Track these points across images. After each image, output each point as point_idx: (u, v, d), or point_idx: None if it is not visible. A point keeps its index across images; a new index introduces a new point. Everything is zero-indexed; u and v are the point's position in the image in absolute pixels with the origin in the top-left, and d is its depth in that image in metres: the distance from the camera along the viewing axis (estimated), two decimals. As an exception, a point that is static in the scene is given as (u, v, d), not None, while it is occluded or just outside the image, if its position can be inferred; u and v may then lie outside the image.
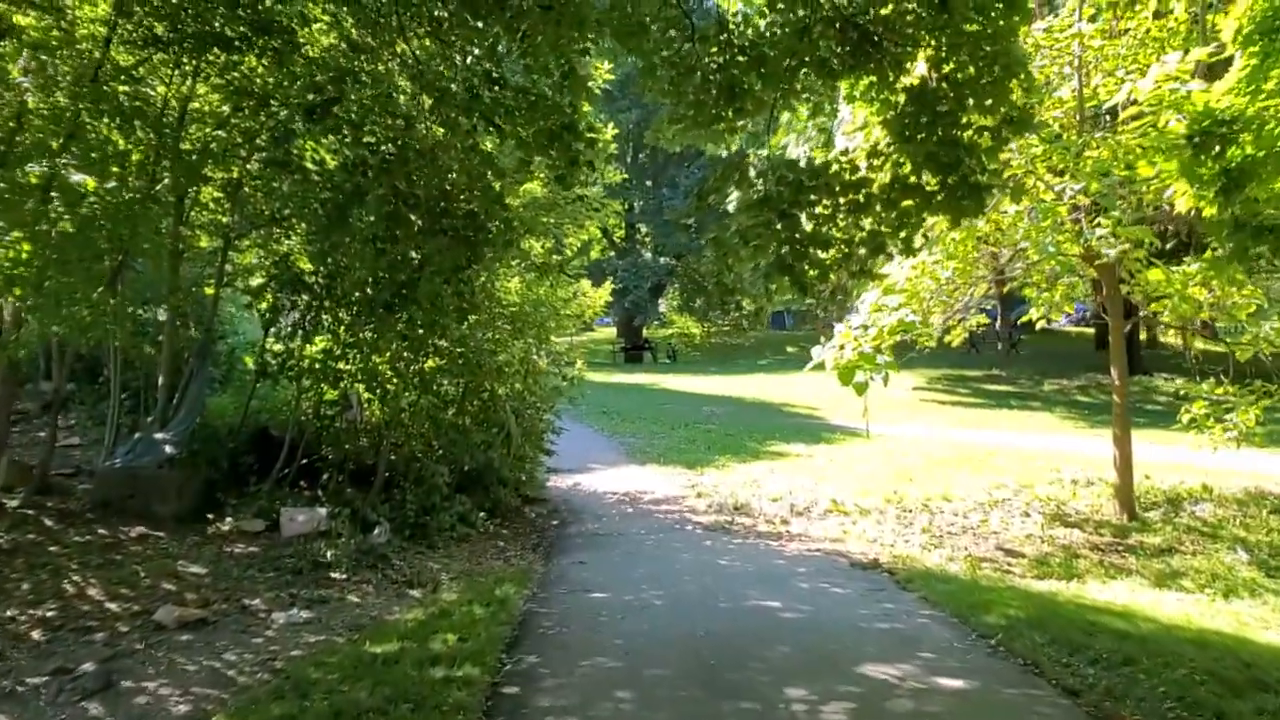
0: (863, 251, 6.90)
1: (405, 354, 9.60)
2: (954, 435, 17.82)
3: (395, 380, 9.65)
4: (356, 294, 8.64)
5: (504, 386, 10.72)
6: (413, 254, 8.00)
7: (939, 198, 6.35)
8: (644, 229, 49.01)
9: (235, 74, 8.80)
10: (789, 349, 45.54)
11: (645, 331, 48.33)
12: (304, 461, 9.95)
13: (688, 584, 7.62)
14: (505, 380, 10.22)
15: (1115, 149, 9.42)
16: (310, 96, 7.48)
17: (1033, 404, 23.45)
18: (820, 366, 10.24)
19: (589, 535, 10.06)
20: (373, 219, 7.80)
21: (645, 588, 7.51)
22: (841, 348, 10.17)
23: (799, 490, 12.19)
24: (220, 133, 9.62)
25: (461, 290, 7.93)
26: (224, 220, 10.95)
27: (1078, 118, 10.17)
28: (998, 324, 33.50)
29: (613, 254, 46.25)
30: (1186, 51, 7.53)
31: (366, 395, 10.07)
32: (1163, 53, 9.14)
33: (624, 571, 8.18)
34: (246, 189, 10.20)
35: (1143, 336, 33.23)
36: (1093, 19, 9.48)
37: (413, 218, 7.71)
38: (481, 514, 9.89)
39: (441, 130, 7.99)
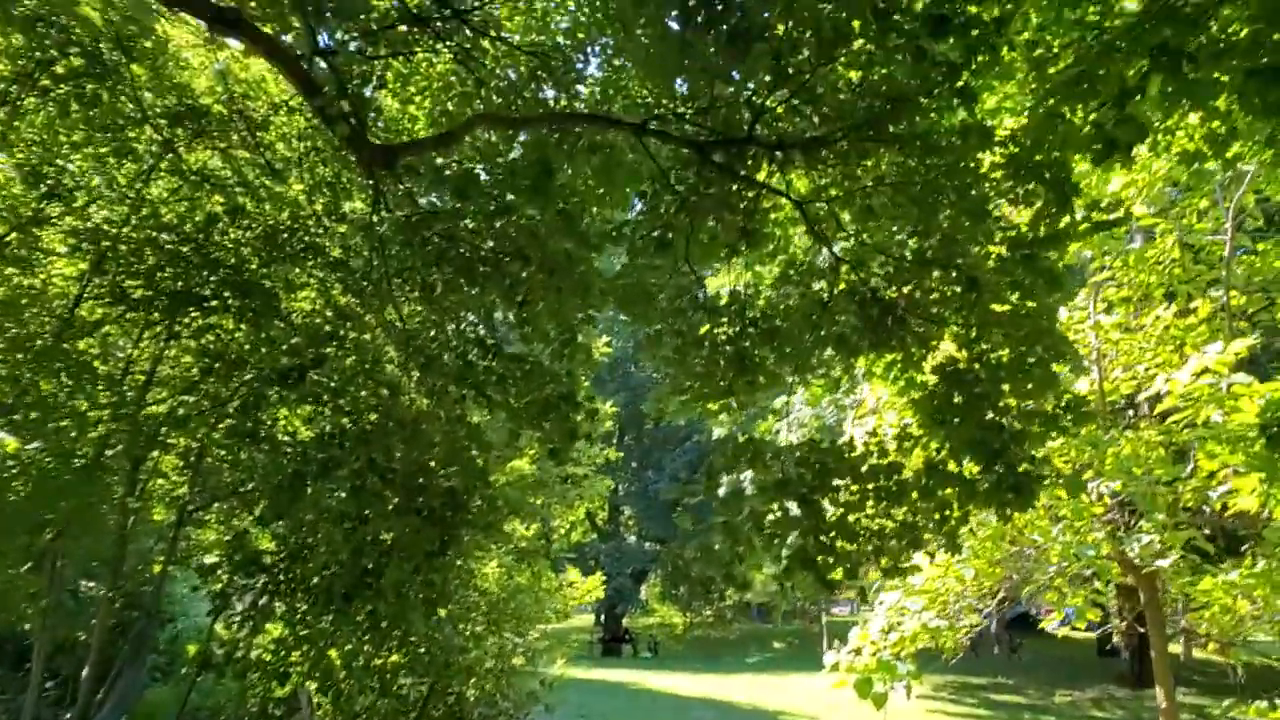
0: (895, 545, 6.11)
1: (364, 649, 8.47)
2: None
3: (351, 680, 8.43)
4: (316, 579, 7.67)
5: (474, 689, 9.47)
6: (384, 535, 7.17)
7: (982, 488, 5.66)
8: (628, 512, 48.13)
9: (210, 336, 8.37)
10: (776, 644, 43.35)
11: (626, 620, 46.05)
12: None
13: None
14: (476, 683, 9.00)
15: (1137, 444, 8.95)
16: (285, 361, 6.94)
17: (1045, 717, 21.61)
18: (835, 668, 9.12)
19: None
20: (343, 495, 7.04)
21: None
22: (858, 652, 9.12)
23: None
24: (188, 398, 9.05)
25: (432, 579, 7.00)
26: (181, 492, 10.18)
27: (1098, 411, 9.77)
28: (993, 625, 31.99)
29: (595, 538, 45.05)
30: (1226, 345, 7.19)
31: (318, 696, 8.81)
32: (1183, 348, 8.89)
33: None
34: (209, 459, 9.52)
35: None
36: (1108, 311, 9.32)
37: (387, 494, 6.96)
38: None
39: (427, 400, 7.45)
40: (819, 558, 6.04)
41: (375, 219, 6.19)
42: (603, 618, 45.04)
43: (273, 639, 8.65)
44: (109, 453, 8.36)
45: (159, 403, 9.24)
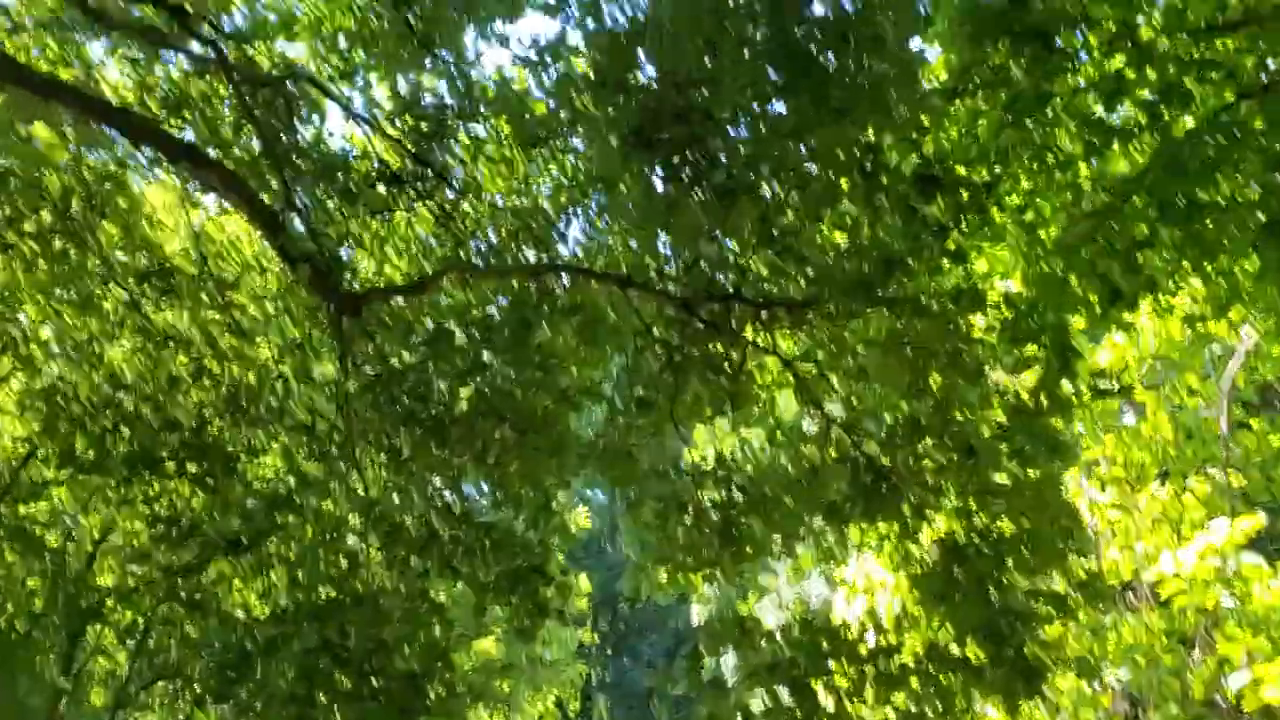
0: (901, 741, 5.60)
1: None
2: None
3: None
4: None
5: None
6: (334, 722, 6.55)
7: (989, 673, 5.22)
8: (602, 703, 45.79)
9: (164, 502, 7.93)
10: None
11: None
12: None
13: None
14: None
15: (1139, 629, 8.53)
16: (238, 526, 6.51)
17: None
18: None
19: None
20: (292, 675, 6.47)
21: None
22: None
23: None
24: (136, 568, 8.50)
25: None
26: (122, 672, 9.46)
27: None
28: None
29: (565, 733, 42.70)
30: (1232, 524, 6.89)
31: None
32: (1180, 528, 8.59)
33: None
34: (154, 635, 8.88)
35: None
36: (1101, 489, 9.07)
37: (340, 676, 6.39)
38: None
39: (388, 573, 6.98)
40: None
41: (342, 376, 5.93)
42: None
43: None
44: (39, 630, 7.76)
45: (106, 573, 8.69)
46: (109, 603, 8.36)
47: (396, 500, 6.80)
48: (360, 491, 6.66)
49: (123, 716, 9.95)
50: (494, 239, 7.00)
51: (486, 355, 5.75)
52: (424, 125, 6.23)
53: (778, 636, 5.78)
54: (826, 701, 5.62)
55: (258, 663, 6.25)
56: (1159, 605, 8.54)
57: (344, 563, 7.05)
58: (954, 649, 5.40)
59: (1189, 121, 3.71)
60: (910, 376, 5.32)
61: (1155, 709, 8.24)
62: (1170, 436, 9.09)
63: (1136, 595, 9.85)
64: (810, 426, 6.00)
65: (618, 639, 45.06)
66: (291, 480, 7.47)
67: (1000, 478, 5.42)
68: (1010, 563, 5.47)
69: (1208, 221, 3.16)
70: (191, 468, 7.37)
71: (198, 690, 8.22)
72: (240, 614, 6.89)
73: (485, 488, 6.43)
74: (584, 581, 8.85)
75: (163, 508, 7.95)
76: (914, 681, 5.41)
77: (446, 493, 6.49)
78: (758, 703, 5.68)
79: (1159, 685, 8.30)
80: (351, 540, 7.40)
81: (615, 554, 45.07)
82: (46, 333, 7.52)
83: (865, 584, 7.69)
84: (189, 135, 6.52)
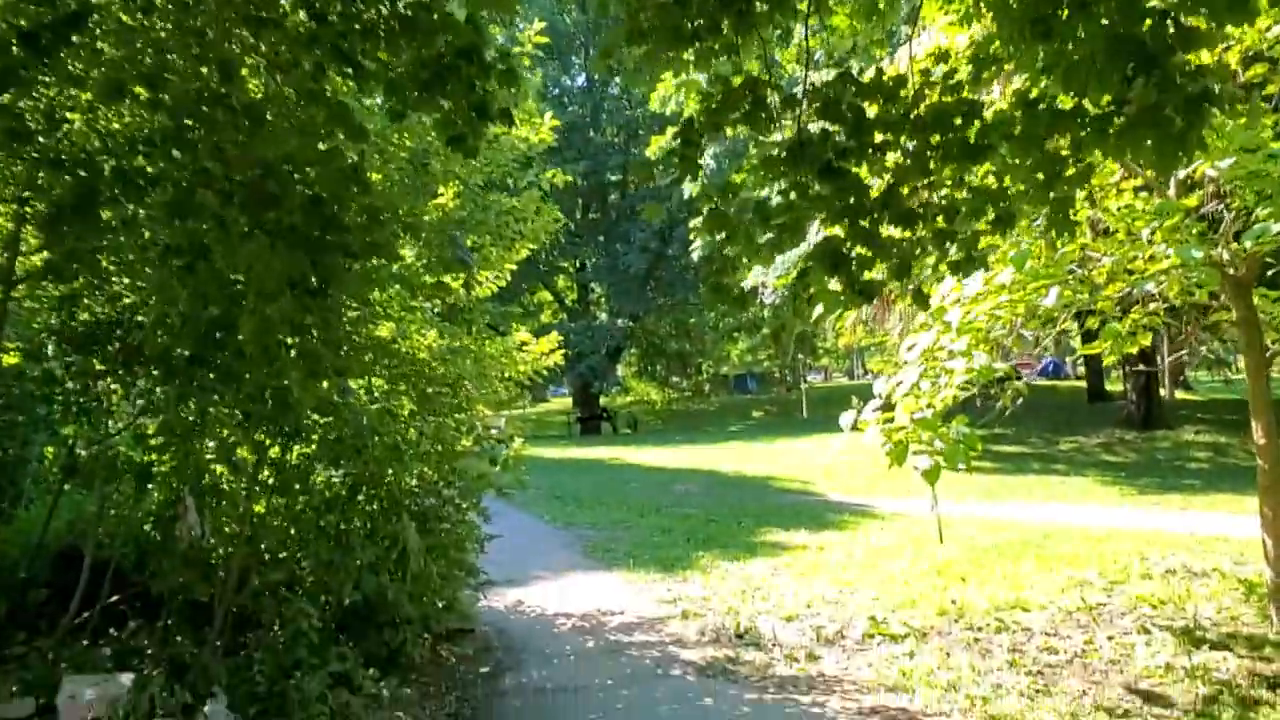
0: (973, 228, 4.20)
1: (245, 436, 6.74)
2: (985, 511, 15.12)
3: (233, 479, 6.77)
4: (153, 344, 5.77)
5: (407, 476, 7.84)
6: (234, 275, 5.23)
7: (1118, 123, 3.68)
8: (598, 289, 46.56)
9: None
10: (755, 414, 43.08)
11: (604, 400, 45.48)
12: (116, 598, 7.05)
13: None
14: (405, 468, 7.33)
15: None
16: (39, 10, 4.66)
17: (1057, 467, 20.88)
18: (858, 429, 7.51)
19: (531, 694, 7.10)
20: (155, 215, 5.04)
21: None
22: (887, 409, 7.45)
23: (820, 602, 9.31)
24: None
25: (308, 328, 5.10)
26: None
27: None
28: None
29: (564, 317, 43.71)
30: None
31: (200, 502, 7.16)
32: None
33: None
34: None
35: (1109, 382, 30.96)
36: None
37: (228, 214, 4.92)
38: (372, 670, 6.90)
39: (272, 80, 5.29)
40: (854, 249, 4.15)
41: None
42: (580, 399, 44.36)
43: (133, 435, 6.91)
44: None
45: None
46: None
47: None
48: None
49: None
50: None
51: None
52: None
53: (804, 106, 4.21)
54: (873, 184, 4.20)
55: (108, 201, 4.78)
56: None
57: (211, 74, 5.33)
58: (1063, 100, 3.85)
59: None
60: None
61: (1260, 205, 6.95)
62: None
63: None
64: None
65: (609, 226, 44.73)
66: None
67: None
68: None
69: None
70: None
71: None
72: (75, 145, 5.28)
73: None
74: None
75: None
76: (1001, 150, 3.93)
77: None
78: (776, 196, 4.26)
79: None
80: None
81: (600, 140, 43.29)
82: None
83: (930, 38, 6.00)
84: None
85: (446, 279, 7.76)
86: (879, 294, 4.41)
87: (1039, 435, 24.90)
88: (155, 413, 6.60)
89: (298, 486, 7.30)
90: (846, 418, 7.63)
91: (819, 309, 4.62)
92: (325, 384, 6.46)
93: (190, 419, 6.37)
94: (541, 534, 14.56)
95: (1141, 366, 24.21)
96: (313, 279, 4.97)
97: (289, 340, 5.05)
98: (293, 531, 7.43)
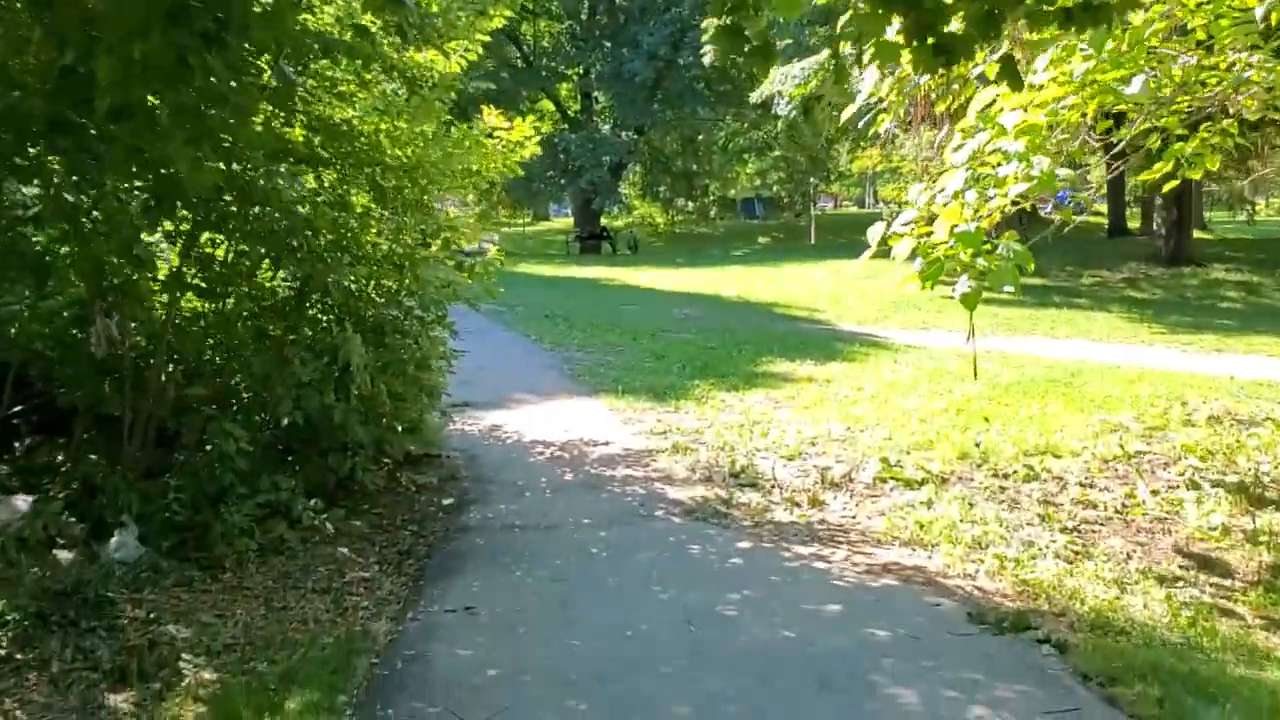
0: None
1: (160, 226, 5.69)
2: (1007, 346, 14.21)
3: (138, 275, 5.73)
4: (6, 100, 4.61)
5: (361, 281, 6.85)
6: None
7: None
8: (601, 98, 44.23)
9: None
10: (762, 239, 41.86)
11: (605, 220, 44.02)
12: (18, 409, 6.18)
13: (674, 698, 3.94)
14: (348, 272, 6.30)
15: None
16: None
17: (1079, 302, 19.89)
18: (885, 245, 6.42)
19: (497, 530, 6.32)
20: None
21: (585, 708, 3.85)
22: (923, 222, 6.33)
23: (825, 440, 8.48)
24: None
25: (189, 80, 3.94)
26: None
27: None
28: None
29: (565, 128, 41.67)
30: None
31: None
32: None
33: (545, 639, 4.49)
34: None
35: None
36: None
37: None
38: (313, 501, 6.10)
39: None
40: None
41: None
42: (581, 216, 42.91)
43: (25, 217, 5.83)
44: None
45: None
46: None
47: None
48: None
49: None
50: None
51: None
52: None
53: None
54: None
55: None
56: None
57: None
58: None
59: None
60: None
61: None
62: None
63: None
64: None
65: (616, 30, 41.99)
66: None
67: None
68: None
69: None
70: None
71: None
72: None
73: None
74: None
75: None
76: None
77: None
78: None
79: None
80: None
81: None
82: None
83: None
84: None
85: (418, 56, 6.52)
86: (962, 55, 3.24)
87: (1059, 269, 23.76)
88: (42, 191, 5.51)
89: (229, 289, 6.30)
90: (875, 230, 6.50)
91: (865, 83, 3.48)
92: (235, 164, 5.37)
93: (81, 199, 5.28)
94: (527, 354, 13.69)
95: (1159, 199, 22.98)
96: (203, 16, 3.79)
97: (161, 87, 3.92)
98: (223, 340, 6.48)
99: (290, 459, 6.46)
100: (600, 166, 38.34)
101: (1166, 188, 8.33)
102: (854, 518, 6.62)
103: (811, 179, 46.55)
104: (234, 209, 5.74)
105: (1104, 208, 31.49)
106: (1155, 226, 25.40)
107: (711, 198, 53.93)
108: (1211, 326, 16.27)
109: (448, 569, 5.62)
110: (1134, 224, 32.57)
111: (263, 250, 6.16)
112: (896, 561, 5.72)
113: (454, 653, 4.37)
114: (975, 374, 10.55)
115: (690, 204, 51.73)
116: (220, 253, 6.32)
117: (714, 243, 41.54)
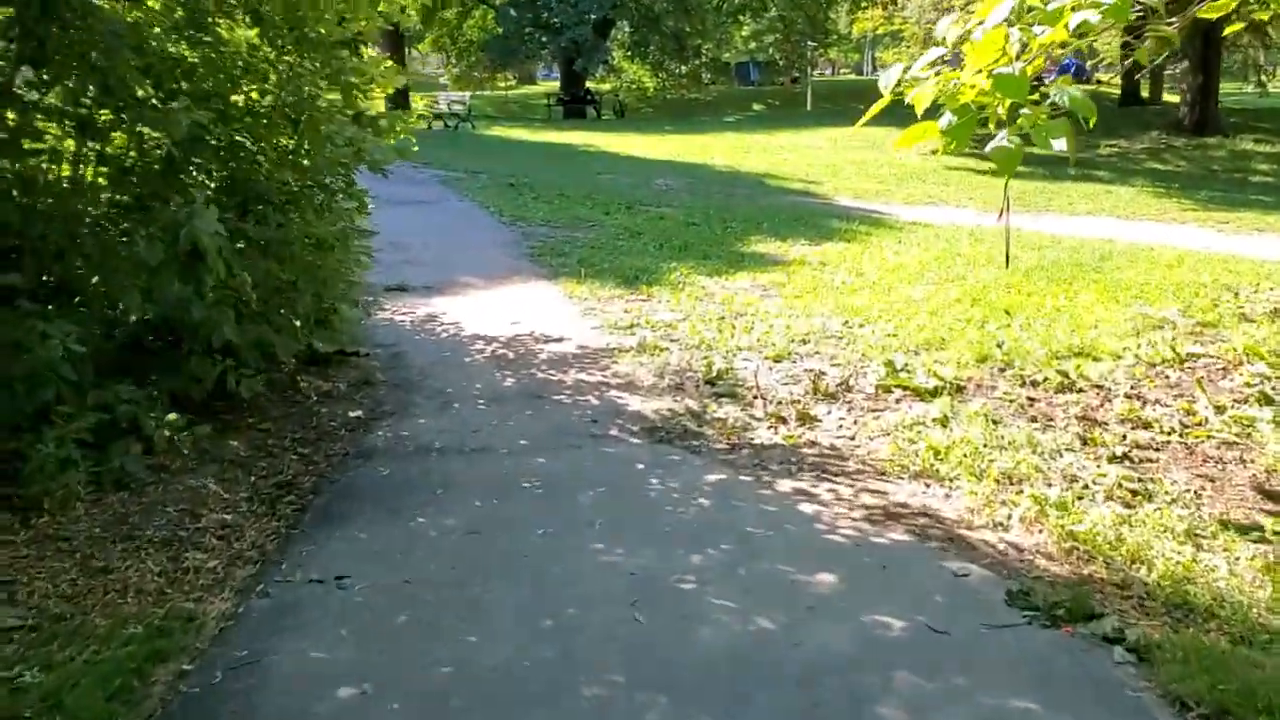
0: None
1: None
2: (1021, 223, 12.86)
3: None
4: None
5: (218, 136, 5.45)
6: None
7: None
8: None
9: None
10: (756, 106, 39.78)
11: (591, 84, 41.66)
12: None
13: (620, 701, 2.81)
14: (187, 119, 4.87)
15: None
16: None
17: (1098, 174, 18.43)
18: (899, 93, 4.98)
19: (408, 455, 5.10)
20: None
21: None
22: (948, 64, 4.91)
23: (819, 338, 7.23)
24: None
25: None
26: None
27: None
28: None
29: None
30: None
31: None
32: None
33: (431, 634, 3.31)
34: None
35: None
36: None
37: None
38: (171, 417, 4.86)
39: None
40: None
41: None
42: (565, 79, 40.54)
43: None
44: None
45: None
46: None
47: None
48: None
49: None
50: None
51: None
52: None
53: None
54: None
55: None
56: None
57: None
58: None
59: None
60: None
61: None
62: None
63: None
64: None
65: None
66: None
67: None
68: None
69: None
70: None
71: None
72: None
73: None
74: None
75: None
76: None
77: None
78: None
79: None
80: None
81: None
82: None
83: None
84: None
85: None
86: None
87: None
88: None
89: (47, 139, 4.90)
90: (889, 74, 5.03)
91: None
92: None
93: None
94: (482, 229, 12.23)
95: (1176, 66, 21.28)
96: None
97: None
98: (51, 211, 5.09)
99: (149, 366, 5.18)
100: (584, 24, 35.98)
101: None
102: (852, 439, 5.42)
103: (809, 42, 44.10)
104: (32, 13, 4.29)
105: (1106, 76, 29.60)
106: (1184, 94, 23.67)
107: (704, 60, 51.24)
108: (1247, 203, 14.92)
109: (333, 512, 4.42)
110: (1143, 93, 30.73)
111: (90, 88, 4.74)
112: (905, 503, 4.54)
113: (303, 654, 3.19)
114: (1008, 260, 9.24)
115: (681, 67, 49.10)
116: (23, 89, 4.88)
117: (705, 109, 39.46)
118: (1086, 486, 4.73)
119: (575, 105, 38.20)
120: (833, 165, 19.59)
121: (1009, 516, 4.40)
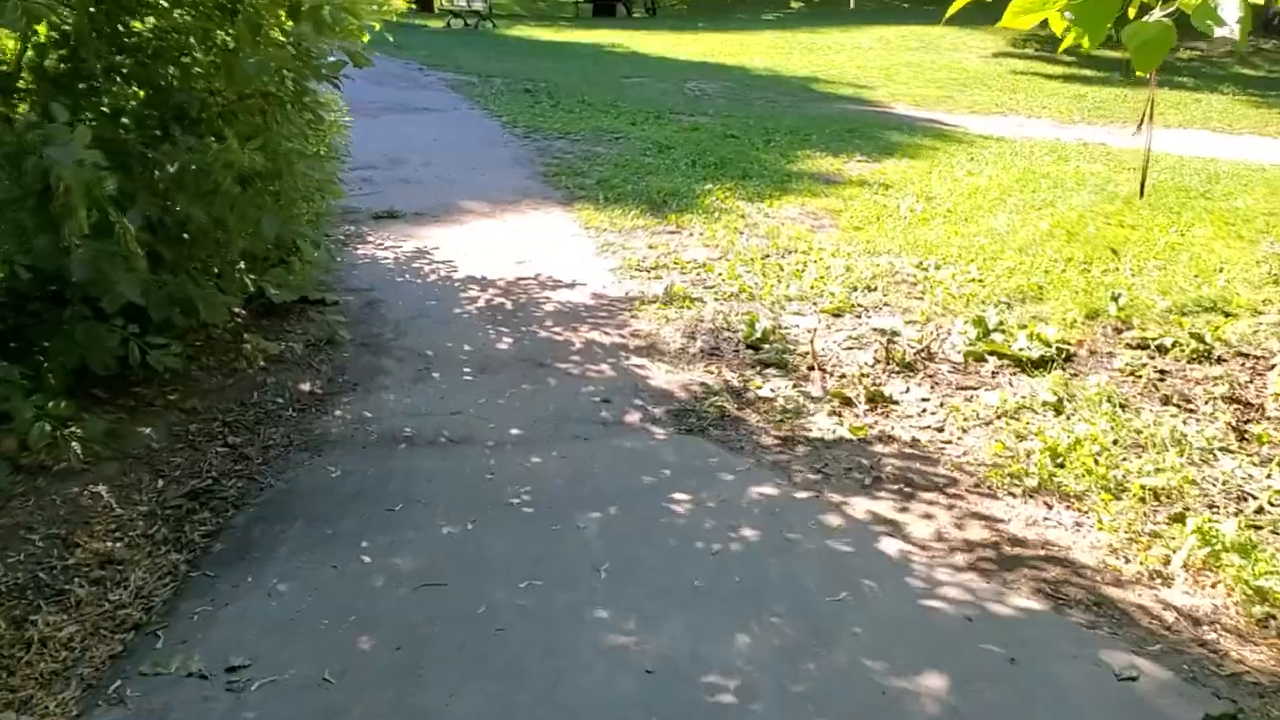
0: None
1: None
2: (1105, 137, 11.38)
3: None
4: None
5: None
6: None
7: None
8: None
9: None
10: (795, 3, 37.47)
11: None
12: None
13: None
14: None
15: None
16: None
17: (1181, 81, 16.69)
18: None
19: (368, 448, 3.99)
20: None
21: None
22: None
23: (886, 283, 5.99)
24: None
25: None
26: None
27: None
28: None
29: None
30: None
31: None
32: None
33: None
34: None
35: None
36: None
37: None
38: (55, 403, 3.76)
39: None
40: None
41: None
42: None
43: None
44: None
45: None
46: None
47: None
48: None
49: None
50: None
51: None
52: None
53: None
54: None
55: None
56: None
57: None
58: None
59: None
60: None
61: None
62: None
63: None
64: None
65: None
66: None
67: None
68: None
69: None
70: None
71: None
72: None
73: None
74: None
75: None
76: None
77: None
78: None
79: None
80: None
81: None
82: None
83: None
84: None
85: None
86: None
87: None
88: None
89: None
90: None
91: None
92: None
93: None
94: (492, 143, 10.88)
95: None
96: None
97: None
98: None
99: (30, 335, 4.06)
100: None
101: None
102: (940, 431, 4.24)
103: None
104: None
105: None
106: (1271, -13, 21.56)
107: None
108: (1358, 113, 13.30)
109: (252, 540, 3.33)
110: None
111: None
112: (1022, 538, 3.38)
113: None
114: (1142, 189, 7.85)
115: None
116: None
117: (742, 5, 37.14)
118: (1262, 510, 3.55)
119: (605, 2, 36.10)
120: (885, 68, 17.93)
121: (1168, 562, 3.24)
